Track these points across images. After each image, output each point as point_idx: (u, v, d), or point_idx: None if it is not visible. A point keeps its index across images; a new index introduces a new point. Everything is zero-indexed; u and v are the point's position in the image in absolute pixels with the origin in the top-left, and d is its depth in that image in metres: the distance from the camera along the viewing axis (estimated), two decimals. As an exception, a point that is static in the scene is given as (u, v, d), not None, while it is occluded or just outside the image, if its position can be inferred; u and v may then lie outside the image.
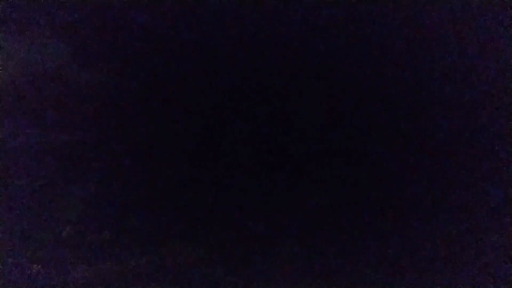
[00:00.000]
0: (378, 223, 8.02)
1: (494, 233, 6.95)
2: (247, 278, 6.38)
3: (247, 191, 10.75)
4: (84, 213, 9.25)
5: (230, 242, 7.77)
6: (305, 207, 9.47)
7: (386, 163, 12.92)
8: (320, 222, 8.66)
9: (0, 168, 15.16)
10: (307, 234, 8.10)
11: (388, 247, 7.06)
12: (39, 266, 6.34)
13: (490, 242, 6.67)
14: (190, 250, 7.32)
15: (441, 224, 7.47)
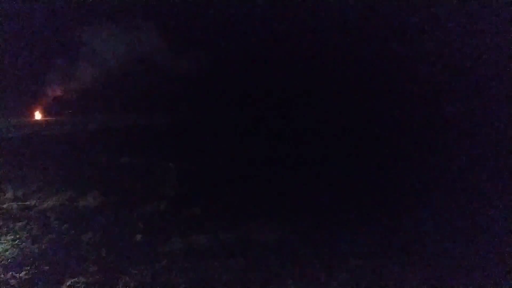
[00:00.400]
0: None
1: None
2: (324, 255, 6.31)
3: (322, 181, 10.53)
4: (178, 189, 9.95)
5: (309, 223, 7.73)
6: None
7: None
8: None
9: (107, 147, 16.93)
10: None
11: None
12: (141, 235, 7.04)
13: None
14: (274, 227, 7.46)
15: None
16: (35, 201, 9.28)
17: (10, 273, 5.52)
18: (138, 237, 7.01)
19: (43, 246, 6.49)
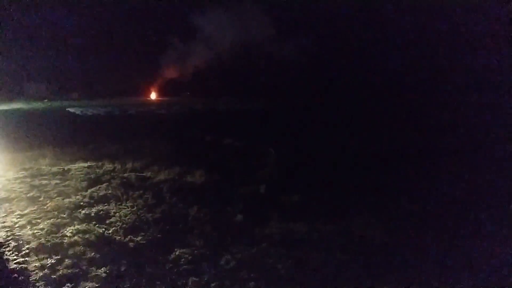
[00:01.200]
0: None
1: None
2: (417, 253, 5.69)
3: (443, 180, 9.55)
4: (279, 174, 9.99)
5: (421, 225, 7.06)
6: None
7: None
8: None
9: (212, 128, 17.88)
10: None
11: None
12: (242, 216, 7.25)
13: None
14: (375, 223, 7.00)
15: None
16: (150, 173, 10.25)
17: (129, 236, 6.16)
18: (239, 217, 7.22)
19: (156, 215, 7.11)
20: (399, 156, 12.67)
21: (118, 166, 10.82)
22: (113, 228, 6.46)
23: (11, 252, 5.55)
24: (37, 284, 4.85)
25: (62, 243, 5.84)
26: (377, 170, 10.72)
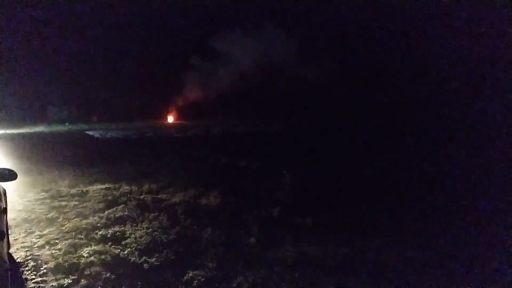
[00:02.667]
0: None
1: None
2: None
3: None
4: (293, 196, 9.98)
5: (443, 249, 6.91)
6: None
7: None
8: None
9: (229, 150, 18.05)
10: None
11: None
12: (254, 239, 7.25)
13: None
14: (392, 247, 6.89)
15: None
16: (165, 195, 10.40)
17: (144, 257, 6.23)
18: (252, 240, 7.23)
19: (171, 237, 7.18)
20: (416, 178, 12.53)
21: (134, 188, 11.03)
22: (128, 249, 6.56)
23: (29, 271, 5.68)
24: (53, 303, 4.94)
25: (79, 263, 5.95)
26: (394, 193, 10.61)
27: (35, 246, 6.64)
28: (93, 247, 6.54)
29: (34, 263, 5.94)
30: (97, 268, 5.81)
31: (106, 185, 11.44)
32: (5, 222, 5.22)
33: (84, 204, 9.33)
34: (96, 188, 11.11)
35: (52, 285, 5.29)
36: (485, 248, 6.85)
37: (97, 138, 28.41)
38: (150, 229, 7.59)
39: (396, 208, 9.33)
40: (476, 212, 8.84)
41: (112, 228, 7.56)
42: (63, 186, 11.35)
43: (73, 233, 7.26)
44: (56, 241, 6.86)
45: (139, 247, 6.68)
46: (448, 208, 9.23)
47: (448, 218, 8.54)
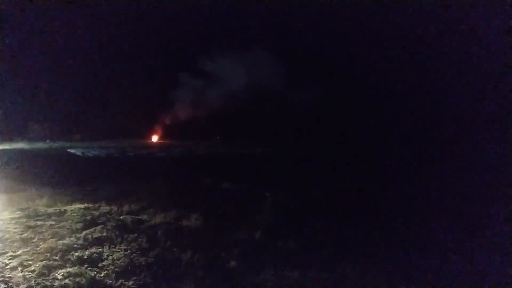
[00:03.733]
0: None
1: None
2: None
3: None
4: (275, 219, 9.97)
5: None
6: None
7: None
8: None
9: (213, 171, 17.94)
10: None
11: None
12: (235, 262, 7.17)
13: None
14: (373, 271, 6.92)
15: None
16: (146, 216, 10.23)
17: (121, 280, 6.08)
18: (233, 263, 7.15)
19: (149, 259, 7.04)
20: (398, 203, 12.68)
21: (114, 208, 10.82)
22: (105, 272, 6.39)
23: (-1, 294, 5.47)
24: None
25: (52, 286, 5.77)
26: (374, 218, 10.70)
27: (7, 267, 6.41)
28: (68, 269, 6.36)
29: (5, 286, 5.73)
30: (71, 291, 5.63)
31: (85, 205, 11.19)
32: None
33: (61, 224, 9.08)
34: (74, 207, 10.86)
35: (22, 309, 5.10)
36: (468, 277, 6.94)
37: (78, 156, 27.92)
38: (129, 251, 7.42)
39: (378, 231, 9.40)
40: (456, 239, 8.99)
41: (89, 250, 7.37)
42: (41, 205, 11.06)
43: (48, 254, 7.05)
44: (30, 262, 6.64)
45: (116, 269, 6.52)
46: (431, 236, 9.34)
47: (431, 247, 8.63)
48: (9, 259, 6.75)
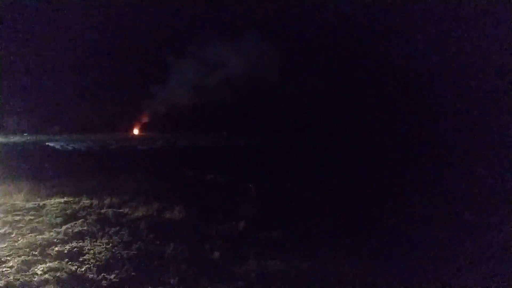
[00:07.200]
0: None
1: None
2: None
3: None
4: (258, 210, 10.02)
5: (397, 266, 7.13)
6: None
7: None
8: None
9: (196, 163, 17.76)
10: None
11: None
12: (219, 253, 7.19)
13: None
14: (351, 263, 7.04)
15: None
16: (127, 209, 10.12)
17: (102, 274, 6.02)
18: (216, 254, 7.17)
19: (131, 253, 6.99)
20: (381, 195, 12.83)
21: (95, 202, 10.66)
22: (86, 266, 6.32)
23: (-24, 291, 5.35)
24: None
25: (31, 281, 5.67)
26: (357, 209, 10.85)
27: (-16, 263, 6.26)
28: (47, 264, 6.25)
29: (-18, 282, 5.59)
30: (52, 286, 5.55)
31: (65, 199, 10.98)
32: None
33: (41, 219, 8.90)
34: (54, 201, 10.64)
35: (0, 306, 5.00)
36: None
37: (57, 149, 27.32)
38: (110, 245, 7.35)
39: (362, 220, 9.57)
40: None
41: (70, 244, 7.26)
42: (19, 199, 10.79)
43: (27, 249, 6.91)
44: (8, 258, 6.50)
45: (97, 263, 6.45)
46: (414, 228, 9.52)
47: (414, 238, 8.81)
48: (-14, 255, 6.59)
